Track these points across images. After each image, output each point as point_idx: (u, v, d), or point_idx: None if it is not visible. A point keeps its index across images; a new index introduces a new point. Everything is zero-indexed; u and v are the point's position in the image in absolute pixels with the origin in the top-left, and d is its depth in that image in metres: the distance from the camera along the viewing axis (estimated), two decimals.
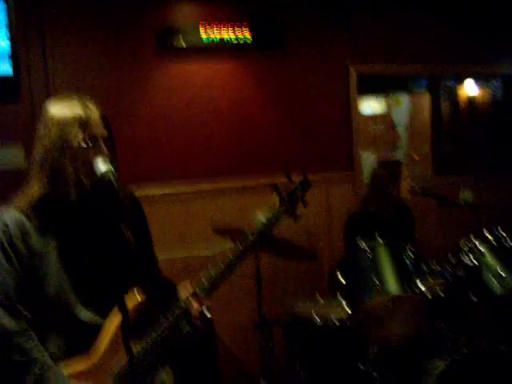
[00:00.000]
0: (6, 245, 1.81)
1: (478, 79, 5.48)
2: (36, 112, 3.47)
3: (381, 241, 2.96)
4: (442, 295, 3.06)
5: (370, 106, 5.97)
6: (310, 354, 3.36)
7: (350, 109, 4.57)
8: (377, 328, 2.90)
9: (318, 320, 3.25)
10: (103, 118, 1.90)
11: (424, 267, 3.05)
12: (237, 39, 3.99)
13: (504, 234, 3.02)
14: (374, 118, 5.96)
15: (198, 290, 1.97)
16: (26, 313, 1.83)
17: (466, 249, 2.97)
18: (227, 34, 3.96)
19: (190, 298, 1.95)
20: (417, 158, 4.18)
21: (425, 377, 2.75)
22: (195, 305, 1.95)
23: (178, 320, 1.93)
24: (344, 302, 3.37)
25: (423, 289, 2.86)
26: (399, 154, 5.73)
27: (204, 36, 3.90)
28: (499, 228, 3.06)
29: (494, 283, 2.85)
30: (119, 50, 3.79)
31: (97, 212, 1.86)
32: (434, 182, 4.93)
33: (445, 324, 3.11)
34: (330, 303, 3.57)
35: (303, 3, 4.33)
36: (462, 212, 4.29)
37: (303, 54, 4.35)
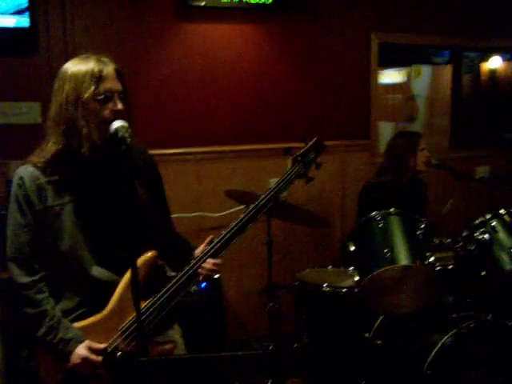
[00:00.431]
0: (21, 199, 1.84)
1: (501, 53, 5.37)
2: (53, 65, 3.46)
3: (394, 211, 2.94)
4: (452, 268, 3.06)
5: (390, 75, 5.89)
6: (317, 321, 3.39)
7: (369, 77, 4.51)
8: (385, 297, 2.91)
9: (327, 287, 3.27)
10: (119, 72, 1.88)
11: (435, 240, 3.04)
12: (257, 2, 3.91)
13: None
14: (392, 88, 5.89)
15: (208, 248, 1.97)
16: (39, 267, 1.87)
17: (478, 223, 2.95)
18: None
19: (201, 256, 1.95)
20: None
21: (429, 348, 2.76)
22: (205, 264, 1.95)
23: (187, 277, 1.93)
24: (353, 270, 3.39)
25: (433, 261, 2.84)
26: (417, 125, 5.68)
27: None
28: None
29: (504, 259, 2.84)
30: (137, 8, 3.73)
31: (110, 169, 1.86)
32: (451, 155, 4.88)
33: (453, 297, 3.12)
34: (340, 271, 3.60)
35: None
36: (477, 187, 4.27)
37: (324, 19, 4.27)
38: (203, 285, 3.38)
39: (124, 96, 1.87)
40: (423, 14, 4.63)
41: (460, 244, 2.95)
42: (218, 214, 3.94)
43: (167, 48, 3.84)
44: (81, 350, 1.82)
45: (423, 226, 2.95)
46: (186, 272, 1.93)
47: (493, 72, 5.43)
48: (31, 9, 3.34)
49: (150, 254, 1.93)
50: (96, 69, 1.81)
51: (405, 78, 5.95)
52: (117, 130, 1.72)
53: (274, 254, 3.36)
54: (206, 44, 3.93)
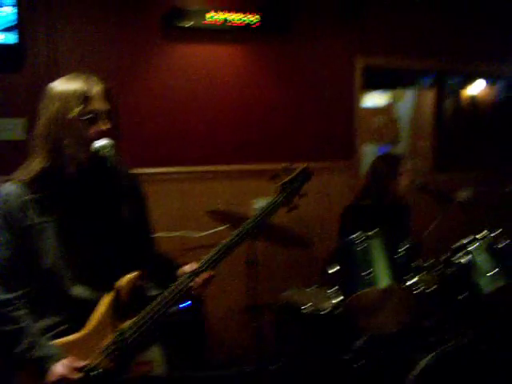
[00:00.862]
0: (4, 216, 1.83)
1: (483, 78, 5.47)
2: (38, 82, 3.46)
3: (374, 233, 2.97)
4: (431, 291, 3.09)
5: (374, 98, 5.96)
6: (298, 340, 3.39)
7: (353, 99, 4.57)
8: (365, 318, 2.93)
9: (308, 307, 3.28)
10: (107, 92, 1.89)
11: (416, 262, 3.07)
12: (243, 21, 3.96)
13: (498, 234, 3.03)
14: (376, 111, 5.96)
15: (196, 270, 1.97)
16: (18, 284, 1.85)
17: (457, 246, 2.99)
18: (234, 16, 3.93)
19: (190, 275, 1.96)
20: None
21: (409, 370, 2.77)
22: (197, 279, 1.95)
23: (173, 296, 1.93)
24: (335, 291, 3.40)
25: (413, 283, 2.87)
26: (400, 148, 5.74)
27: (210, 17, 3.86)
28: (493, 227, 3.07)
29: (482, 283, 2.88)
30: (124, 27, 3.77)
31: (95, 188, 1.87)
32: (433, 178, 4.93)
33: (432, 319, 3.14)
34: (322, 291, 3.61)
35: None
36: (459, 210, 4.31)
37: (309, 41, 4.33)
38: (182, 305, 3.38)
39: (111, 116, 1.88)
40: (407, 38, 4.70)
41: (439, 267, 2.98)
42: (201, 234, 3.93)
43: (153, 67, 3.86)
44: (58, 368, 1.79)
45: (404, 248, 2.98)
46: (174, 290, 1.93)
47: (474, 97, 5.53)
48: (20, 26, 3.36)
49: (132, 274, 1.93)
50: (83, 89, 1.82)
51: (388, 101, 6.02)
52: (98, 149, 1.73)
53: (256, 273, 3.38)
54: (191, 64, 3.96)
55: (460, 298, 2.89)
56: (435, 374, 2.77)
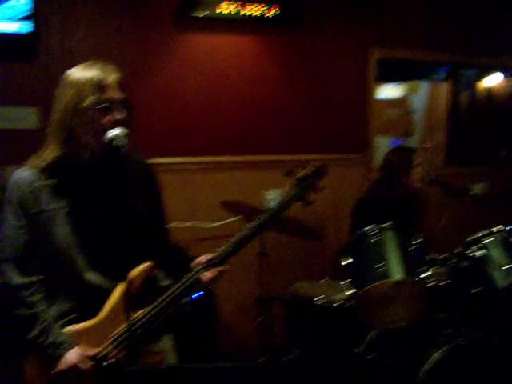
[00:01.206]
0: (16, 202, 1.85)
1: (499, 71, 5.40)
2: (51, 72, 3.47)
3: (387, 225, 2.95)
4: (445, 285, 3.07)
5: (388, 90, 5.92)
6: (308, 333, 3.38)
7: (367, 91, 4.54)
8: (377, 312, 2.91)
9: (320, 299, 3.27)
10: (122, 81, 1.88)
11: (429, 256, 3.04)
12: (258, 12, 3.93)
13: (510, 228, 3.00)
14: (390, 103, 5.92)
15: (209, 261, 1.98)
16: (33, 270, 1.87)
17: (471, 240, 2.96)
18: (248, 7, 3.90)
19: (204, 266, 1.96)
20: (428, 145, 4.16)
21: (420, 364, 2.76)
22: (207, 273, 1.96)
23: (188, 284, 1.94)
24: (347, 284, 3.39)
25: (426, 277, 2.85)
26: (413, 141, 5.70)
27: (224, 7, 3.83)
28: (509, 222, 3.05)
29: (497, 277, 2.85)
30: (138, 17, 3.74)
31: (108, 177, 1.87)
32: (446, 171, 4.90)
33: (445, 313, 3.12)
34: (333, 284, 3.60)
35: None
36: (471, 203, 4.28)
37: (324, 33, 4.30)
38: (195, 296, 3.38)
39: (126, 105, 1.87)
40: (422, 30, 4.66)
41: (453, 260, 2.96)
42: (213, 225, 3.94)
43: (166, 58, 3.85)
44: (70, 355, 1.81)
45: (417, 241, 2.96)
46: (188, 280, 1.93)
47: (489, 89, 5.47)
48: (35, 15, 3.35)
49: (146, 264, 1.93)
50: (98, 77, 1.81)
51: (403, 93, 5.98)
52: (112, 138, 1.72)
53: (266, 265, 3.37)
54: (204, 55, 3.94)
55: (474, 291, 2.86)
56: (447, 369, 2.75)
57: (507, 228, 2.99)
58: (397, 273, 2.81)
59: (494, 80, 5.42)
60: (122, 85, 1.88)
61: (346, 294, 3.08)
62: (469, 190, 4.34)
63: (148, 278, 1.94)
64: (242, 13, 3.89)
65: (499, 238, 2.94)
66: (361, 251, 2.99)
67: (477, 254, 2.89)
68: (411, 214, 3.71)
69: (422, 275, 2.84)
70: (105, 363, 1.83)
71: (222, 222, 3.90)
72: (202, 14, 3.79)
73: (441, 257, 3.05)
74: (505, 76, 5.43)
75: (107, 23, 3.67)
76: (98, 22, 3.65)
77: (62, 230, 1.85)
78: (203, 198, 3.97)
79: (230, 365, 1.51)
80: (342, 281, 3.46)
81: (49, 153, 1.85)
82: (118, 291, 1.89)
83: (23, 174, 1.86)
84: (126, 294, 1.78)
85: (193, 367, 1.52)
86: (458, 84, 5.25)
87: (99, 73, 1.83)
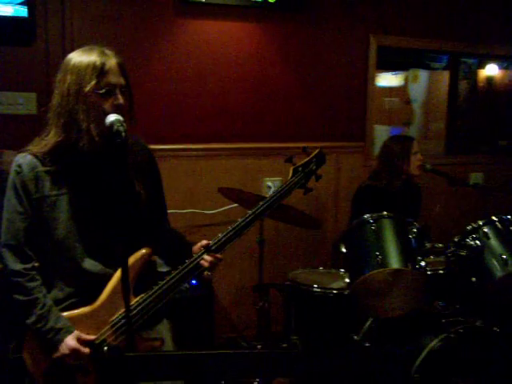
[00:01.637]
0: (18, 187, 1.84)
1: (499, 60, 5.39)
2: (50, 56, 3.45)
3: (386, 214, 2.95)
4: (443, 273, 3.07)
5: (387, 78, 5.90)
6: (306, 321, 3.39)
7: (366, 79, 4.51)
8: (375, 300, 2.92)
9: (318, 287, 3.27)
10: (122, 66, 1.86)
11: (427, 244, 3.05)
12: None
13: (510, 218, 3.00)
14: (389, 91, 5.90)
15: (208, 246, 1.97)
16: (32, 255, 1.87)
17: (470, 229, 2.96)
18: None
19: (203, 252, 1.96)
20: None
21: (418, 352, 2.76)
22: (207, 256, 1.95)
23: (189, 269, 1.93)
24: (345, 272, 3.39)
25: (424, 265, 2.85)
26: (412, 129, 5.69)
27: None
28: (508, 211, 3.05)
29: (495, 265, 2.85)
30: (137, 2, 3.70)
31: (108, 162, 1.85)
32: (445, 160, 4.89)
33: (442, 302, 3.12)
34: (331, 272, 3.61)
35: None
36: (471, 193, 4.29)
37: (324, 20, 4.27)
38: (193, 282, 3.38)
39: (126, 90, 1.86)
40: (422, 18, 4.63)
41: (452, 249, 2.95)
42: (211, 212, 3.93)
43: (166, 43, 3.82)
44: (70, 341, 1.82)
45: (416, 229, 2.96)
46: (188, 265, 1.93)
47: (489, 79, 5.45)
48: None
49: (144, 250, 1.93)
50: (98, 62, 1.79)
51: (402, 82, 5.96)
52: (112, 123, 1.71)
53: (265, 253, 3.37)
54: (205, 41, 3.91)
55: (472, 280, 2.86)
56: (445, 357, 2.76)
57: (506, 217, 2.99)
58: (395, 261, 2.81)
59: (493, 69, 5.41)
60: (122, 70, 1.86)
61: (344, 282, 3.08)
62: (468, 180, 4.36)
63: (146, 264, 1.93)
64: None
65: (499, 226, 2.93)
66: (360, 239, 2.98)
67: (475, 242, 2.88)
68: (411, 202, 3.71)
69: (421, 264, 2.84)
70: (105, 347, 1.83)
71: (221, 209, 3.90)
72: (202, 0, 3.76)
73: (439, 245, 3.05)
74: (500, 68, 5.41)
75: (106, 8, 3.63)
76: (97, 7, 3.61)
77: (63, 216, 1.85)
78: (202, 185, 3.96)
79: (228, 352, 1.50)
80: (341, 268, 3.48)
81: (50, 138, 1.84)
82: (117, 277, 1.88)
83: (25, 158, 1.85)
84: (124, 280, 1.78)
85: (190, 354, 1.51)
86: (458, 73, 5.24)
87: (100, 57, 1.81)
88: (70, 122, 1.80)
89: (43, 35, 3.50)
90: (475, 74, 5.43)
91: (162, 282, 1.91)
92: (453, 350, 2.78)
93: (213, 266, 1.95)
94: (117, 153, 1.62)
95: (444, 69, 5.27)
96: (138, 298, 1.89)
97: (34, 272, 1.86)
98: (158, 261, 2.09)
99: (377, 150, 4.01)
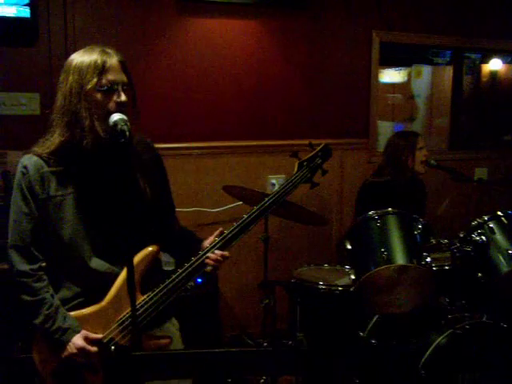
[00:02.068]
0: (24, 188, 1.85)
1: (503, 55, 5.36)
2: (52, 57, 3.45)
3: (391, 210, 2.94)
4: (448, 269, 3.06)
5: (391, 74, 5.88)
6: (311, 318, 3.39)
7: (369, 76, 4.50)
8: (380, 296, 2.91)
9: (322, 285, 3.27)
10: (123, 64, 1.87)
11: (432, 240, 3.04)
12: None
13: None
14: (393, 87, 5.88)
15: (215, 243, 1.98)
16: (39, 256, 1.88)
17: (475, 224, 2.95)
18: None
19: (208, 248, 1.96)
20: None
21: (424, 349, 2.76)
22: (212, 254, 1.95)
23: (194, 267, 1.93)
24: (350, 269, 3.38)
25: (429, 261, 2.84)
26: (416, 125, 5.67)
27: None
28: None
29: (501, 261, 2.84)
30: (139, 1, 3.71)
31: (113, 161, 1.85)
32: (449, 156, 4.88)
33: (448, 298, 3.12)
34: (336, 269, 3.60)
35: None
36: (475, 188, 4.28)
37: (326, 17, 4.26)
38: (199, 280, 3.37)
39: (129, 88, 1.87)
40: (425, 13, 4.62)
41: (457, 245, 2.94)
42: (215, 210, 3.93)
43: (168, 42, 3.82)
44: (77, 340, 1.83)
45: (421, 226, 2.95)
46: (194, 262, 1.93)
47: (493, 74, 5.43)
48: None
49: (151, 247, 1.93)
50: (99, 60, 1.81)
51: (405, 78, 5.94)
52: (116, 122, 1.71)
53: (270, 250, 3.36)
54: (206, 39, 3.91)
55: (478, 276, 2.85)
56: (451, 353, 2.75)
57: (510, 212, 2.97)
58: (401, 257, 2.80)
59: (496, 65, 5.38)
60: (124, 67, 1.87)
61: (350, 278, 3.08)
62: (473, 175, 4.34)
63: (153, 262, 1.94)
64: None
65: (504, 221, 2.92)
66: (364, 236, 2.97)
67: (480, 238, 2.87)
68: (416, 198, 3.71)
69: (426, 260, 2.83)
70: (112, 346, 1.83)
71: (226, 207, 3.90)
72: None
73: (445, 241, 3.04)
74: (504, 62, 5.39)
75: (108, 7, 3.63)
76: (99, 7, 3.61)
77: (69, 216, 1.86)
78: (206, 183, 3.96)
79: (234, 350, 1.50)
80: (347, 265, 3.48)
81: (55, 138, 1.84)
82: (123, 276, 1.89)
83: (31, 159, 1.86)
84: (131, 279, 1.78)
85: (197, 352, 1.51)
86: (462, 68, 5.21)
87: (101, 56, 1.82)
88: (73, 121, 1.81)
89: (46, 36, 3.50)
90: (479, 69, 5.42)
91: (168, 280, 1.91)
92: (459, 346, 2.77)
93: (217, 263, 1.96)
94: (121, 152, 1.62)
95: (447, 64, 5.25)
96: (144, 297, 1.89)
97: (41, 272, 1.87)
98: (163, 259, 2.09)
99: (381, 146, 4.01)
